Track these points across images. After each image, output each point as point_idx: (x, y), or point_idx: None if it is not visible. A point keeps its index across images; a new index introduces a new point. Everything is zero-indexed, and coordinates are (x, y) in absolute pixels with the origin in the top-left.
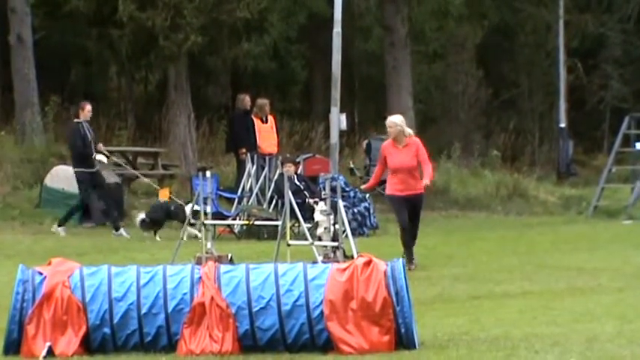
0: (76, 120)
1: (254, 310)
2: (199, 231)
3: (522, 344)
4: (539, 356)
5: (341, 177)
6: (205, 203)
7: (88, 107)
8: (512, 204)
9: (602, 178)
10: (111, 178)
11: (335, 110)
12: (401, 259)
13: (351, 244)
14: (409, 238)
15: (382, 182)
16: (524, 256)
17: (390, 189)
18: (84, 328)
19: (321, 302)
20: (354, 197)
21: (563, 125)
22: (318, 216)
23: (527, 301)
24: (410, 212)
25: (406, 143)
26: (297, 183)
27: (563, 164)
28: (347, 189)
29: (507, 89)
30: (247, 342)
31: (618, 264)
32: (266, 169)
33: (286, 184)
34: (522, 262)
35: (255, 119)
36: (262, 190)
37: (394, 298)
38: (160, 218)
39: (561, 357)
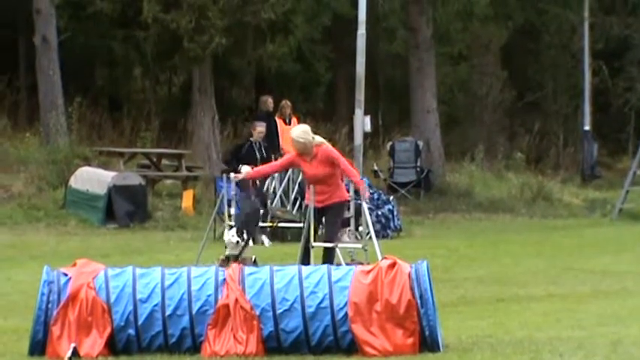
0: (250, 139)
1: (278, 312)
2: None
3: (546, 347)
4: (564, 359)
5: (365, 179)
6: (229, 205)
7: (259, 129)
8: (536, 207)
9: (628, 180)
10: (135, 179)
11: (359, 112)
12: (425, 262)
13: (375, 246)
14: None
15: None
16: (548, 259)
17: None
18: (109, 330)
19: (346, 304)
20: (378, 199)
21: (587, 128)
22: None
23: (551, 304)
24: None
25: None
26: None
27: (588, 167)
28: (371, 191)
29: (532, 91)
30: (271, 344)
31: None
32: (289, 170)
33: (311, 187)
34: (547, 265)
35: (278, 121)
36: (286, 192)
37: (418, 301)
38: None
39: None
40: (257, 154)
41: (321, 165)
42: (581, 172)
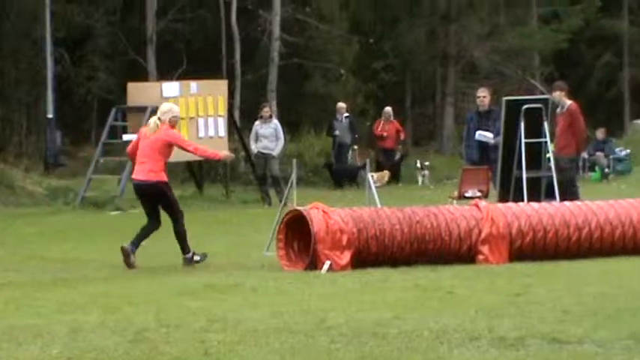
0: None
1: None
2: None
3: (5, 337)
4: (23, 348)
5: None
6: None
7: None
8: None
9: (90, 169)
10: None
11: None
12: None
13: None
14: None
15: None
16: (10, 247)
17: None
18: None
19: None
20: None
21: (50, 116)
22: None
23: (13, 292)
24: None
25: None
26: None
27: (51, 155)
28: None
29: None
30: None
31: (105, 254)
32: None
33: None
34: (9, 252)
35: None
36: None
37: None
38: None
39: (44, 348)
40: None
41: None
42: (45, 161)
